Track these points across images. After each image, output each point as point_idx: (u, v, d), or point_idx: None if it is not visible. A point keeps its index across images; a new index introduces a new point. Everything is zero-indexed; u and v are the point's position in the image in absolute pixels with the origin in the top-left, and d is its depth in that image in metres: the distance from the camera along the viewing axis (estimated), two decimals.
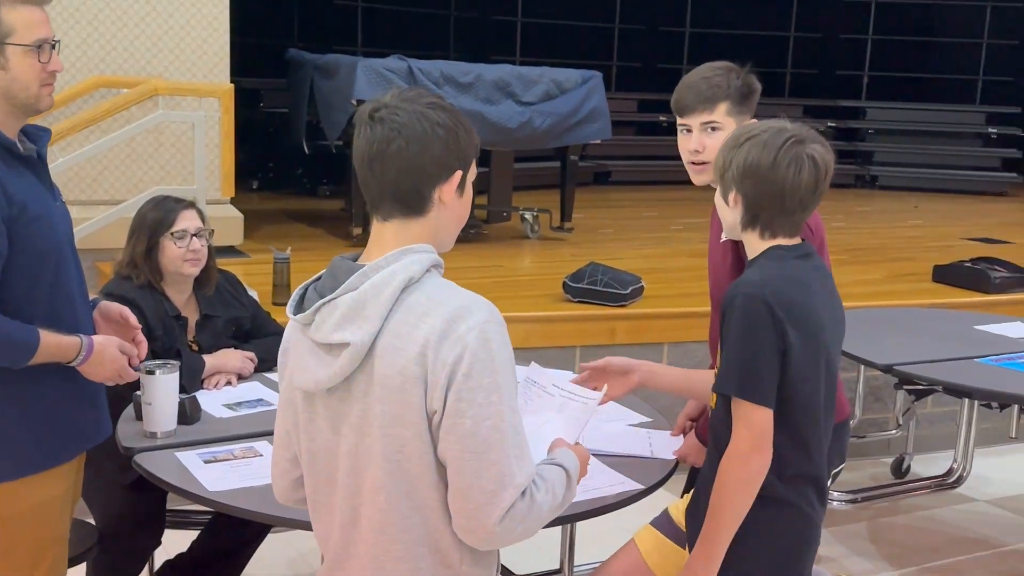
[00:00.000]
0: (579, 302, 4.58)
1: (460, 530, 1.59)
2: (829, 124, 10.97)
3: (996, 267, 5.31)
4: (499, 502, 1.54)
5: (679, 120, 2.47)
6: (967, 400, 3.75)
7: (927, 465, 4.59)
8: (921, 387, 3.48)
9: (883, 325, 4.09)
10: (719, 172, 2.06)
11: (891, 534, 4.06)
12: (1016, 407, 3.62)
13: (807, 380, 1.99)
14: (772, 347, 1.93)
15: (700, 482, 2.10)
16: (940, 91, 11.53)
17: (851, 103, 11.29)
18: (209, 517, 3.00)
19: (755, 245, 2.07)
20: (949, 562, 3.82)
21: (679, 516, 2.23)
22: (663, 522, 2.30)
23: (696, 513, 2.06)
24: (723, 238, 2.39)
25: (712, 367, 2.46)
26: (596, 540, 2.73)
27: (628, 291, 4.50)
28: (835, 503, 3.72)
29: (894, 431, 4.44)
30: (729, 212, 2.07)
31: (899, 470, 4.59)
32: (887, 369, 3.44)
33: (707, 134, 2.41)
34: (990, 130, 10.74)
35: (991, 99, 11.32)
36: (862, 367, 4.18)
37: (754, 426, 1.95)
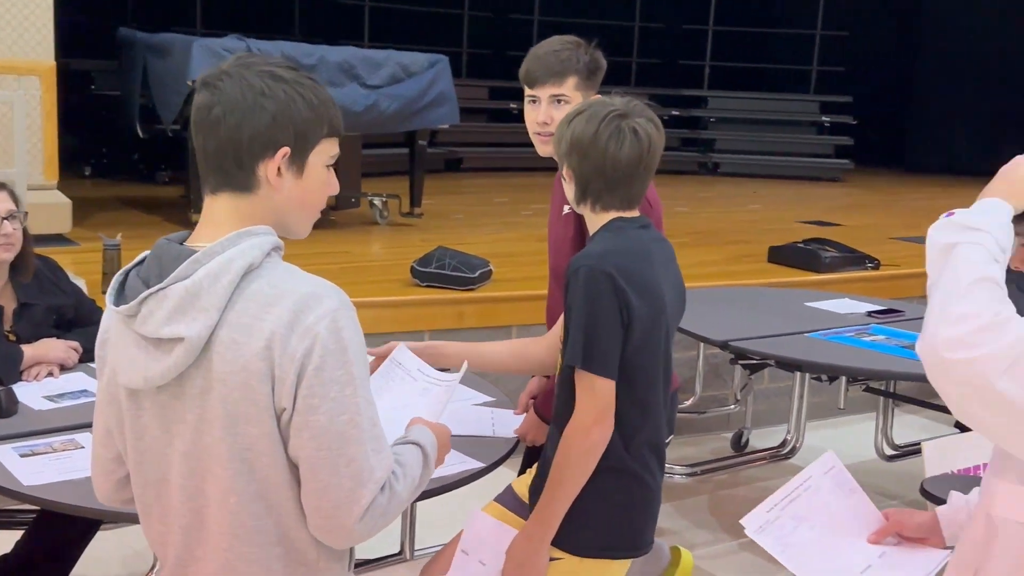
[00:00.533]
0: (427, 286, 4.55)
1: (317, 530, 1.51)
2: (673, 112, 11.28)
3: (826, 247, 5.56)
4: (358, 500, 1.47)
5: (527, 91, 2.48)
6: (799, 374, 3.90)
7: (764, 438, 4.76)
8: (755, 362, 3.61)
9: (721, 304, 4.22)
10: (555, 147, 2.08)
11: (731, 506, 4.19)
12: (844, 379, 3.79)
13: (649, 349, 2.03)
14: (615, 318, 1.95)
15: (544, 455, 2.10)
16: (777, 81, 12.02)
17: (694, 92, 11.63)
18: (33, 515, 2.84)
19: (593, 218, 2.09)
20: None
21: (523, 490, 2.24)
22: (508, 498, 2.30)
23: (540, 487, 2.06)
24: (565, 211, 2.41)
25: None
26: (437, 523, 2.71)
27: (476, 275, 4.50)
28: (676, 477, 3.82)
29: (733, 406, 4.59)
30: (567, 186, 2.10)
31: (738, 444, 4.76)
32: (723, 345, 3.55)
33: (555, 106, 2.43)
34: (824, 119, 11.25)
35: (825, 89, 11.85)
36: (702, 345, 4.31)
37: (597, 397, 1.97)
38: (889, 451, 3.95)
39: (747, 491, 4.38)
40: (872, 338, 3.71)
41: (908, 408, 4.89)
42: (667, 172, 10.72)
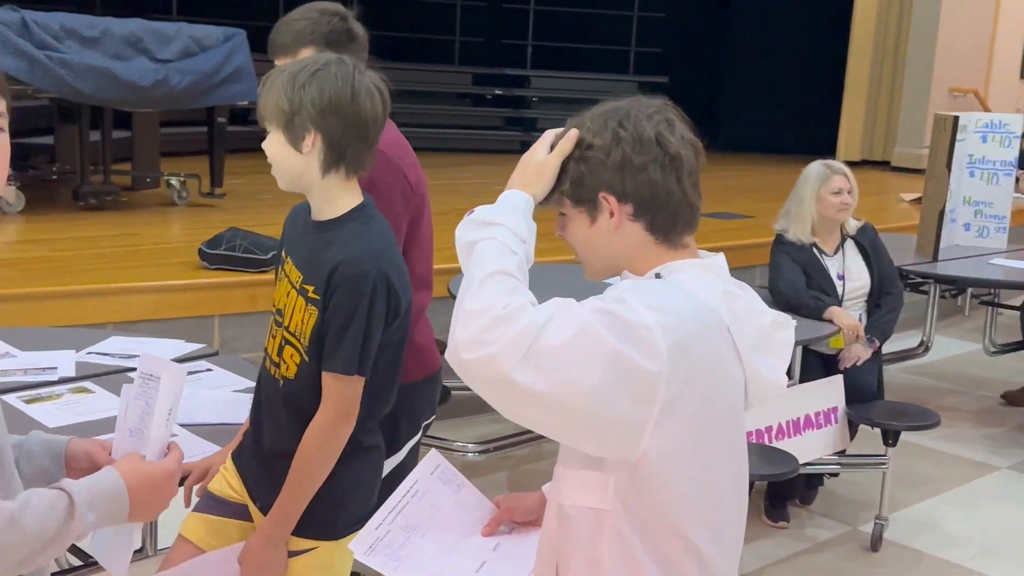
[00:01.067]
0: (216, 269, 4.37)
1: None
2: (496, 91, 11.31)
3: None
4: None
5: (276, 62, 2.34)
6: None
7: None
8: None
9: (534, 280, 4.22)
10: (282, 118, 1.93)
11: (532, 480, 4.21)
12: None
13: (400, 339, 2.01)
14: (383, 320, 1.92)
15: (276, 449, 2.01)
16: (597, 61, 12.19)
17: (516, 71, 11.68)
18: None
19: (338, 194, 1.98)
20: None
21: (222, 489, 2.11)
22: (207, 504, 2.12)
23: (271, 480, 1.97)
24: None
25: None
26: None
27: (269, 256, 4.35)
28: (469, 455, 3.79)
29: None
30: (300, 159, 1.95)
31: None
32: None
33: None
34: None
35: (642, 69, 12.10)
36: None
37: (348, 397, 1.92)
38: None
39: (549, 464, 4.40)
40: None
41: None
42: (491, 151, 10.73)
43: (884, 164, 11.15)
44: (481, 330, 1.35)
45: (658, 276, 1.49)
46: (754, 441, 3.49)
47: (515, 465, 4.35)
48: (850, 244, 4.06)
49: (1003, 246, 5.64)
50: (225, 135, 6.18)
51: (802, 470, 3.70)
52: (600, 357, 1.34)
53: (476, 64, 11.59)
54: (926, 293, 5.29)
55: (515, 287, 1.41)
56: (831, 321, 3.75)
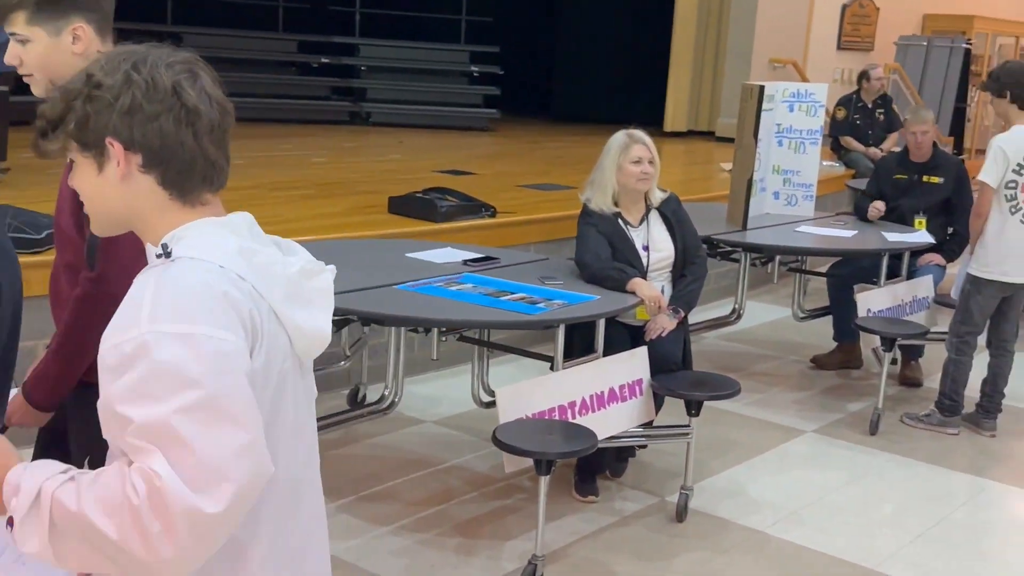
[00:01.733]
0: None
1: None
2: (323, 60, 10.95)
3: (447, 197, 5.52)
4: None
5: None
6: (394, 328, 3.79)
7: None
8: (339, 318, 3.45)
9: (319, 259, 4.03)
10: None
11: (339, 466, 4.04)
12: (436, 331, 3.72)
13: None
14: None
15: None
16: (428, 29, 11.97)
17: (344, 39, 11.33)
18: None
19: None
20: (387, 486, 3.88)
21: None
22: None
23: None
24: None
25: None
26: None
27: (43, 236, 4.01)
28: None
29: (343, 363, 4.43)
30: None
31: (355, 400, 4.62)
32: None
33: (21, 46, 2.14)
34: (473, 68, 11.34)
35: (473, 39, 11.95)
36: None
37: None
38: (487, 399, 3.95)
39: (358, 448, 4.25)
40: (459, 287, 3.67)
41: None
42: (318, 122, 10.41)
43: (710, 135, 11.39)
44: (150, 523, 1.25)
45: (168, 254, 1.38)
46: (557, 417, 3.42)
47: (325, 450, 4.16)
48: (655, 215, 4.04)
49: (810, 214, 5.78)
50: (8, 105, 5.70)
51: (606, 444, 3.67)
52: (200, 410, 1.27)
53: (301, 31, 11.18)
54: (737, 261, 5.38)
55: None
56: (634, 293, 3.71)
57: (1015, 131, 4.51)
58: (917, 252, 5.31)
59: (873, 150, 8.61)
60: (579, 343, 3.86)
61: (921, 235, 5.26)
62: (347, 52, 11.18)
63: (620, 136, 4.00)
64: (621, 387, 3.67)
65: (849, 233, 5.29)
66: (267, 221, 5.43)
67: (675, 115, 11.32)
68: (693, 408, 3.71)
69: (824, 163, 8.94)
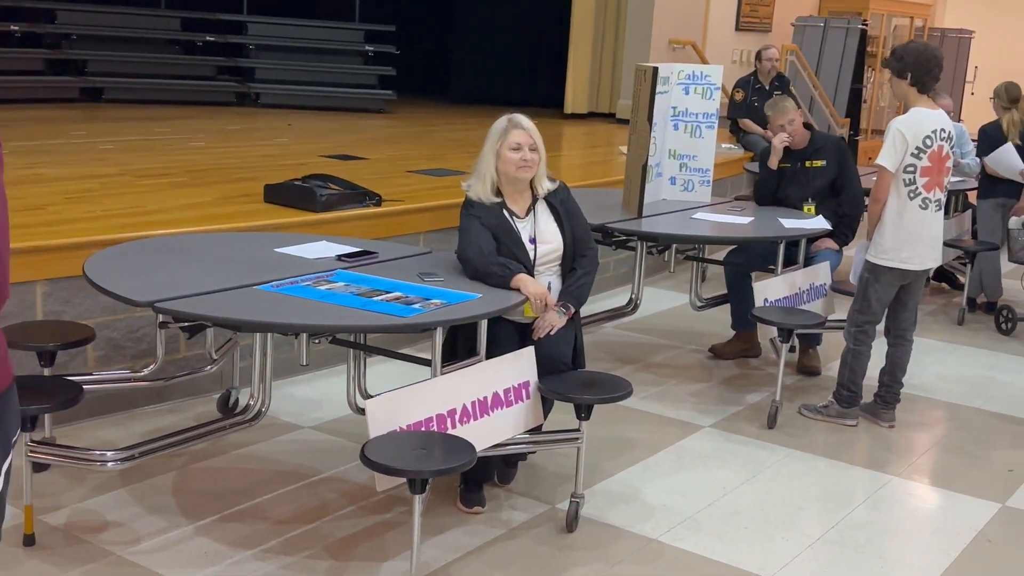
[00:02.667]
0: None
1: None
2: (208, 38, 10.45)
3: (329, 184, 5.19)
4: None
5: None
6: (259, 334, 3.48)
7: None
8: (190, 324, 3.12)
9: (174, 255, 3.69)
10: None
11: (202, 481, 3.72)
12: (305, 335, 3.41)
13: None
14: None
15: None
16: (321, 8, 11.53)
17: (232, 17, 10.82)
18: None
19: None
20: (254, 503, 3.57)
21: None
22: None
23: None
24: None
25: None
26: None
27: None
28: (109, 463, 3.25)
29: (209, 367, 4.09)
30: None
31: (226, 405, 4.29)
32: (149, 306, 3.02)
33: None
34: (368, 48, 10.95)
35: (368, 17, 11.54)
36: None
37: None
38: (363, 404, 3.66)
39: (225, 461, 3.93)
40: (330, 286, 3.37)
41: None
42: (201, 103, 9.91)
43: (611, 116, 11.22)
44: None
45: None
46: (435, 428, 3.16)
47: (186, 464, 3.84)
48: (542, 205, 3.79)
49: (707, 199, 5.62)
50: None
51: (490, 454, 3.42)
52: None
53: (186, 8, 10.64)
54: (633, 249, 5.18)
55: None
56: (519, 290, 3.47)
57: (914, 114, 4.39)
58: (813, 238, 5.19)
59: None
60: (464, 343, 3.61)
61: (818, 221, 5.14)
62: (235, 30, 10.68)
63: (500, 121, 3.75)
64: (506, 391, 3.42)
65: (746, 219, 5.14)
66: (127, 212, 5.07)
67: (575, 97, 11.12)
68: (583, 411, 3.49)
69: (723, 146, 8.85)
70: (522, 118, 3.76)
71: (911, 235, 4.40)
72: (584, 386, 3.52)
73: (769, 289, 4.81)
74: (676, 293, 6.65)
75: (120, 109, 9.09)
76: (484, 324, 3.40)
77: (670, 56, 10.96)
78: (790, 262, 5.15)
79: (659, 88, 5.28)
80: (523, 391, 3.49)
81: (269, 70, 10.48)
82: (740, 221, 5.09)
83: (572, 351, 3.80)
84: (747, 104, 8.78)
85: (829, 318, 5.27)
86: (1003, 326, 6.41)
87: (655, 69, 5.00)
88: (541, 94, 11.58)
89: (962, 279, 6.70)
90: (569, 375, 3.60)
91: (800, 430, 4.60)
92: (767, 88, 8.75)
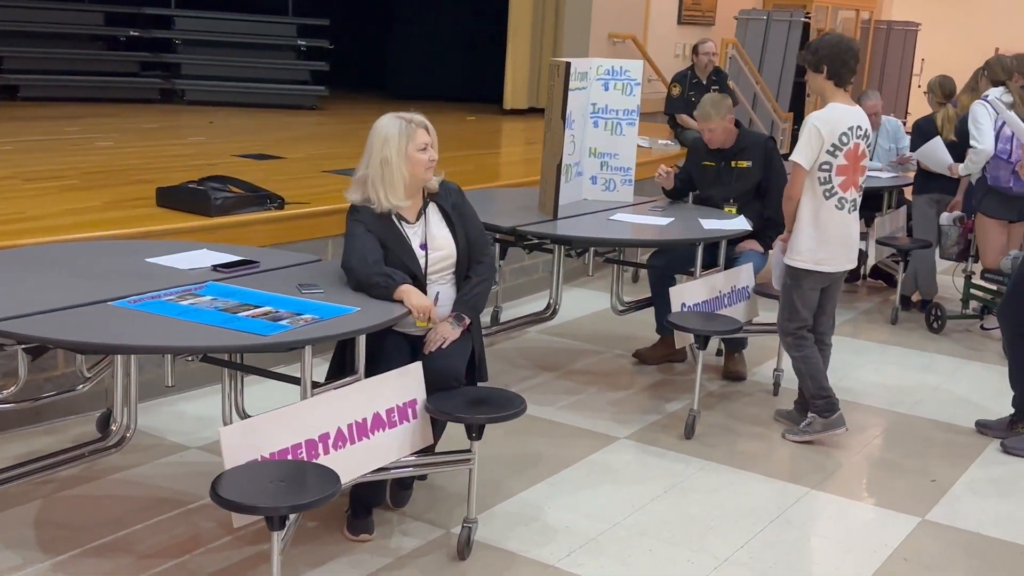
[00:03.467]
0: None
1: None
2: (132, 33, 10.10)
3: (228, 187, 4.92)
4: None
5: None
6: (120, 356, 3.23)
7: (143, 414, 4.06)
8: (31, 346, 2.86)
9: (31, 266, 3.41)
10: None
11: (66, 512, 3.44)
12: (169, 357, 3.16)
13: None
14: None
15: None
16: (253, 1, 11.19)
17: (158, 11, 10.46)
18: None
19: None
20: (123, 535, 3.31)
21: None
22: None
23: None
24: None
25: None
26: None
27: None
28: None
29: (82, 386, 3.81)
30: None
31: (105, 425, 4.01)
32: None
33: None
34: (300, 42, 10.64)
35: (302, 10, 11.21)
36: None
37: None
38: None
39: (96, 488, 3.65)
40: (195, 300, 3.12)
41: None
42: (124, 100, 9.57)
43: None
44: None
45: None
46: (304, 455, 2.92)
47: (54, 491, 3.57)
48: (433, 209, 3.57)
49: (629, 199, 5.42)
50: None
51: (372, 478, 3.19)
52: None
53: (109, 1, 10.26)
54: (551, 251, 4.97)
55: None
56: (402, 302, 3.24)
57: (831, 109, 4.21)
58: (736, 239, 5.00)
59: None
60: (352, 358, 3.37)
61: (739, 221, 4.95)
62: (161, 24, 10.33)
63: (394, 122, 3.51)
64: (389, 411, 3.19)
65: (665, 220, 4.94)
66: (6, 219, 4.68)
67: (515, 92, 10.88)
68: (474, 431, 3.27)
69: (660, 142, 8.67)
70: (419, 116, 3.54)
71: (827, 236, 4.22)
72: (475, 404, 3.29)
73: (687, 293, 4.62)
74: (603, 294, 6.45)
75: (36, 108, 8.72)
76: (362, 340, 3.16)
77: (610, 50, 10.76)
78: (712, 264, 4.96)
79: (577, 84, 5.07)
80: (409, 410, 3.26)
81: (196, 66, 10.14)
82: (659, 222, 4.89)
83: (468, 364, 3.59)
84: (684, 99, 8.59)
85: (753, 321, 5.10)
86: (934, 324, 6.28)
87: (567, 64, 4.78)
88: (481, 89, 11.33)
89: (898, 277, 6.55)
90: (460, 392, 3.37)
91: (719, 439, 4.42)
92: (704, 83, 8.57)
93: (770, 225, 5.11)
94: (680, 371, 5.29)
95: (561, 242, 4.74)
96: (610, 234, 4.77)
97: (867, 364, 5.61)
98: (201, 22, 10.39)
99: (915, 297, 6.74)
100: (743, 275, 4.96)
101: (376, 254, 3.37)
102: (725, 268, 4.97)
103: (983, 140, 5.73)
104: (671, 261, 5.14)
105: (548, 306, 5.16)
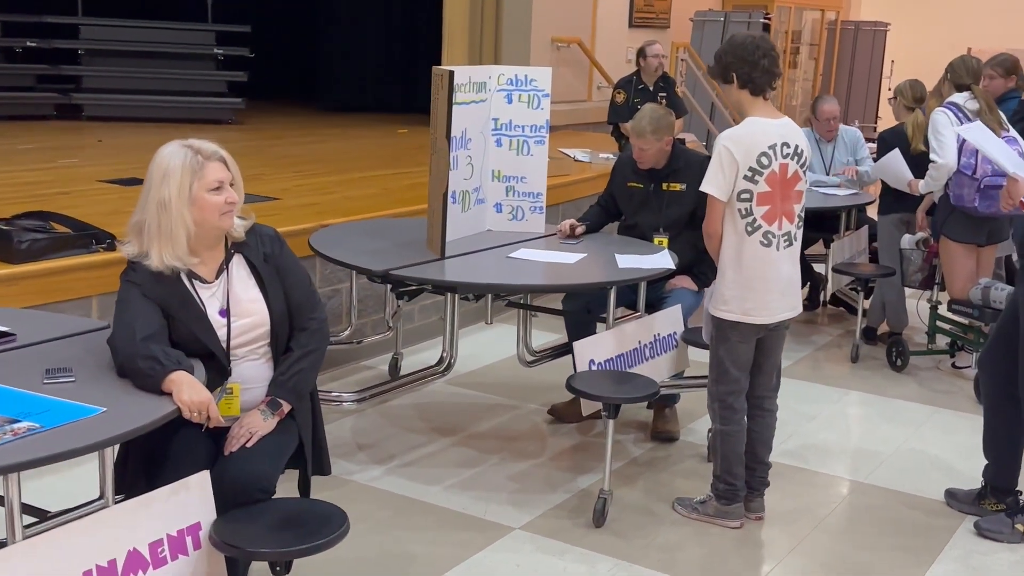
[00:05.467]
0: None
1: None
2: (29, 44, 9.24)
3: (49, 225, 4.10)
4: None
5: None
6: None
7: None
8: None
9: None
10: None
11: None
12: None
13: None
14: None
15: None
16: (167, 6, 10.36)
17: (61, 19, 9.60)
18: None
19: None
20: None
21: None
22: None
23: None
24: None
25: None
26: None
27: None
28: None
29: None
30: None
31: None
32: None
33: None
34: (218, 51, 9.80)
35: (222, 17, 10.38)
36: None
37: None
38: None
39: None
40: None
41: None
42: (16, 118, 8.72)
43: None
44: None
45: None
46: None
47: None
48: (238, 263, 2.76)
49: (540, 229, 4.63)
50: None
51: None
52: None
53: (7, 10, 9.40)
54: (441, 293, 4.18)
55: None
56: (172, 394, 2.42)
57: (747, 125, 3.42)
58: (657, 279, 4.21)
59: None
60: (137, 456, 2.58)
61: (661, 258, 4.15)
62: (65, 34, 9.47)
63: (178, 152, 2.71)
64: (156, 544, 2.37)
65: (575, 257, 4.14)
66: None
67: None
68: (277, 567, 2.46)
69: (602, 155, 7.88)
70: (210, 145, 2.73)
71: (753, 280, 3.43)
72: (281, 527, 2.48)
73: (594, 348, 3.83)
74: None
75: None
76: (107, 456, 2.34)
77: (554, 55, 9.99)
78: (633, 306, 4.17)
79: (473, 96, 4.29)
80: (189, 539, 2.44)
81: (100, 78, 9.28)
82: (566, 260, 4.09)
83: (298, 460, 2.79)
84: (629, 107, 7.78)
85: (684, 374, 4.32)
86: (896, 362, 5.51)
87: (450, 74, 3.98)
88: (417, 99, 10.51)
89: (859, 308, 5.77)
90: (266, 509, 2.55)
91: (635, 528, 3.62)
92: (651, 89, 7.81)
93: (707, 259, 4.30)
94: (599, 432, 4.49)
95: (443, 288, 3.94)
96: (503, 277, 3.96)
97: (822, 416, 4.83)
98: (110, 31, 9.55)
99: (882, 329, 5.98)
100: (668, 320, 4.17)
101: (150, 327, 2.56)
102: (651, 310, 4.19)
103: (944, 153, 4.97)
104: (590, 303, 4.35)
105: (441, 359, 4.36)
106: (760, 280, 3.42)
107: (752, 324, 3.47)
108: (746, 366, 3.59)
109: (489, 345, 5.43)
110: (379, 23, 10.91)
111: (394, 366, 5.02)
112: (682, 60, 10.29)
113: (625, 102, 7.86)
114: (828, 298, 6.59)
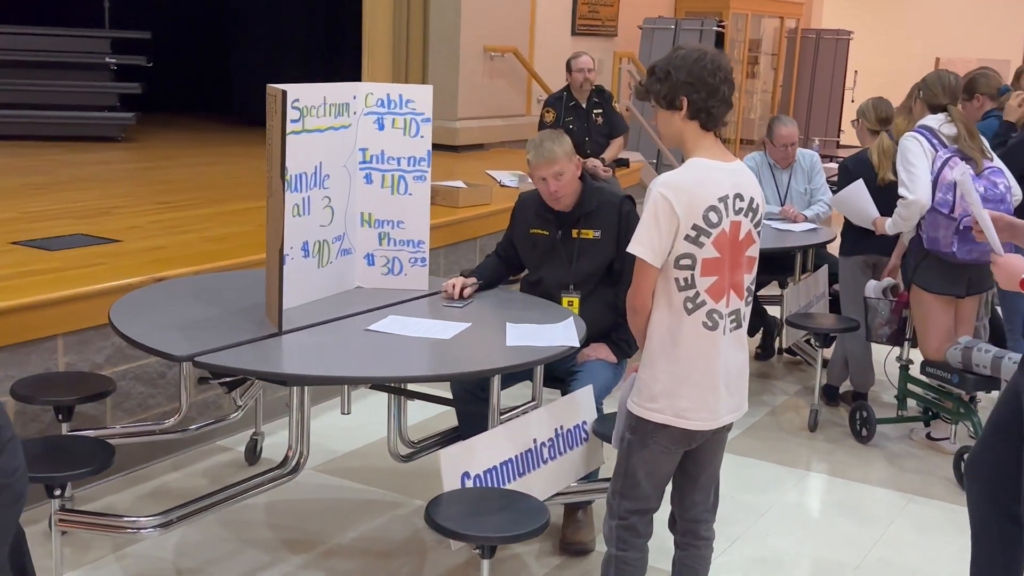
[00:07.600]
0: None
1: None
2: None
3: None
4: None
5: None
6: None
7: None
8: None
9: None
10: None
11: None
12: None
13: None
14: None
15: None
16: (63, 12, 9.35)
17: None
18: None
19: None
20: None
21: None
22: None
23: None
24: None
25: None
26: None
27: None
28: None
29: None
30: None
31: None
32: None
33: None
34: (110, 60, 8.79)
35: (121, 22, 9.37)
36: None
37: None
38: None
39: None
40: None
41: None
42: None
43: None
44: None
45: None
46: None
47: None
48: None
49: (424, 285, 3.71)
50: None
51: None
52: None
53: None
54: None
55: None
56: None
57: (693, 170, 2.51)
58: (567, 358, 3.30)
59: (593, 162, 6.70)
60: None
61: (563, 330, 3.23)
62: None
63: None
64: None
65: (456, 329, 3.20)
66: None
67: None
68: None
69: (530, 179, 7.00)
70: None
71: (693, 372, 2.49)
72: None
73: (470, 456, 2.89)
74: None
75: None
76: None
77: (487, 66, 9.09)
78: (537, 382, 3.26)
79: (331, 122, 3.38)
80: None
81: None
82: (440, 335, 3.16)
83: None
84: (560, 127, 6.90)
85: (599, 473, 3.42)
86: (861, 431, 4.66)
87: (283, 93, 3.05)
88: None
89: (816, 365, 4.90)
90: None
91: None
92: (584, 106, 6.94)
93: (625, 328, 3.39)
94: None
95: (270, 380, 3.01)
96: (351, 361, 3.01)
97: (774, 510, 3.94)
98: (3, 39, 8.49)
99: (845, 387, 5.12)
100: (576, 406, 3.25)
101: None
102: (558, 385, 3.30)
103: (915, 188, 4.12)
104: (482, 382, 3.44)
105: (286, 459, 3.41)
106: (700, 373, 2.49)
107: (685, 430, 2.55)
108: (663, 482, 2.68)
109: (366, 417, 4.49)
110: (299, 29, 9.96)
111: (252, 450, 4.09)
112: (627, 71, 9.41)
113: (555, 121, 6.97)
114: (784, 345, 5.73)
